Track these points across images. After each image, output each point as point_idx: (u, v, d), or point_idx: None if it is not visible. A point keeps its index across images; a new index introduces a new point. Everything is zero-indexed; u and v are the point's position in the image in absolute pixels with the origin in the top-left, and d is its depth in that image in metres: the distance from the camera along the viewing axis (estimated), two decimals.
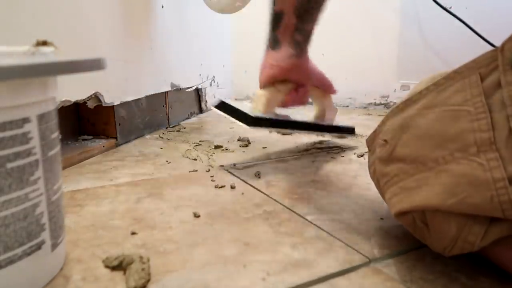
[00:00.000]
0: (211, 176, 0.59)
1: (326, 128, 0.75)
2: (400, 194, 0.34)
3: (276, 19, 0.57)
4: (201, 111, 1.19)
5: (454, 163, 0.29)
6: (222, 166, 0.65)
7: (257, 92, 0.65)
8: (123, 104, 0.77)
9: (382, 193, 0.39)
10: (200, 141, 0.83)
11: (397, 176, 0.34)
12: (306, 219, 0.45)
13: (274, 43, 0.58)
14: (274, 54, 0.59)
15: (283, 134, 0.84)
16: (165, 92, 0.97)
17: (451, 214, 0.30)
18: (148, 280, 0.32)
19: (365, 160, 0.70)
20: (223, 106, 0.65)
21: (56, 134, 0.31)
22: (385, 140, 0.36)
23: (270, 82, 0.63)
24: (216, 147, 0.78)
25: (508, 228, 0.29)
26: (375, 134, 0.41)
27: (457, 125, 0.30)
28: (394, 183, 0.34)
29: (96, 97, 0.69)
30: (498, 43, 0.32)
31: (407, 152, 0.33)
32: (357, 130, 0.97)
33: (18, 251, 0.28)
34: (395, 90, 1.36)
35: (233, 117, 0.62)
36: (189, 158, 0.70)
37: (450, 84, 0.32)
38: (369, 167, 0.42)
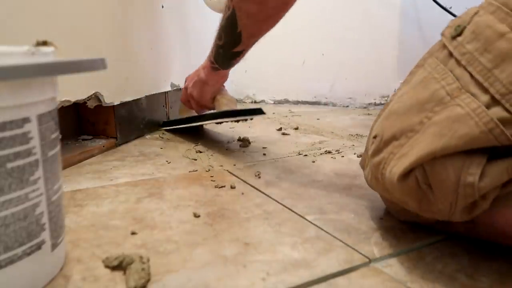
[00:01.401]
0: (211, 176, 0.59)
1: (236, 113, 0.78)
2: (398, 161, 0.35)
3: (236, 55, 0.69)
4: None
5: (437, 115, 0.34)
6: (222, 166, 0.65)
7: (225, 98, 0.81)
8: (123, 104, 0.77)
9: (380, 184, 0.39)
10: (200, 141, 0.83)
11: (392, 153, 0.37)
12: (306, 219, 0.45)
13: (227, 66, 0.74)
14: (225, 72, 0.77)
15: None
16: (165, 92, 0.97)
17: (447, 159, 0.32)
18: (148, 280, 0.32)
19: None
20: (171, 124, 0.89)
21: (56, 134, 0.31)
22: (375, 136, 0.40)
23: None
24: (216, 147, 0.78)
25: (505, 170, 0.31)
26: (368, 139, 0.44)
27: (428, 89, 0.36)
28: (390, 160, 0.37)
29: (96, 97, 0.69)
30: None
31: (394, 130, 0.37)
32: (357, 130, 0.97)
33: (18, 251, 0.28)
34: (395, 90, 1.36)
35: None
36: (189, 158, 0.70)
37: (415, 72, 0.40)
38: (366, 178, 0.44)
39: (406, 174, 0.34)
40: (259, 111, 0.77)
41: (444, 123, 0.33)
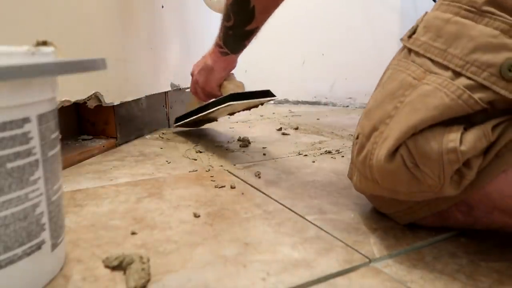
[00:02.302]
0: (211, 176, 0.59)
1: (242, 96, 0.72)
2: (382, 145, 0.37)
3: (250, 33, 0.65)
4: None
5: (408, 97, 0.37)
6: (222, 166, 0.65)
7: (232, 83, 0.76)
8: (123, 104, 0.77)
9: (370, 181, 0.40)
10: (200, 141, 0.83)
11: (375, 143, 0.38)
12: (306, 219, 0.45)
13: (238, 49, 0.70)
14: (234, 57, 0.73)
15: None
16: (165, 92, 0.97)
17: (427, 132, 0.34)
18: (148, 280, 0.32)
19: None
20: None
21: (56, 134, 0.31)
22: (357, 137, 0.41)
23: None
24: (216, 147, 0.78)
25: (483, 135, 0.33)
26: (352, 147, 0.44)
27: (396, 80, 0.39)
28: (375, 149, 0.38)
29: (96, 97, 0.69)
30: None
31: (373, 123, 0.39)
32: None
33: (18, 251, 0.28)
34: None
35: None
36: (189, 158, 0.70)
37: (382, 77, 0.44)
38: (355, 185, 0.44)
39: (392, 154, 0.36)
40: (268, 93, 0.72)
41: (416, 101, 0.36)
